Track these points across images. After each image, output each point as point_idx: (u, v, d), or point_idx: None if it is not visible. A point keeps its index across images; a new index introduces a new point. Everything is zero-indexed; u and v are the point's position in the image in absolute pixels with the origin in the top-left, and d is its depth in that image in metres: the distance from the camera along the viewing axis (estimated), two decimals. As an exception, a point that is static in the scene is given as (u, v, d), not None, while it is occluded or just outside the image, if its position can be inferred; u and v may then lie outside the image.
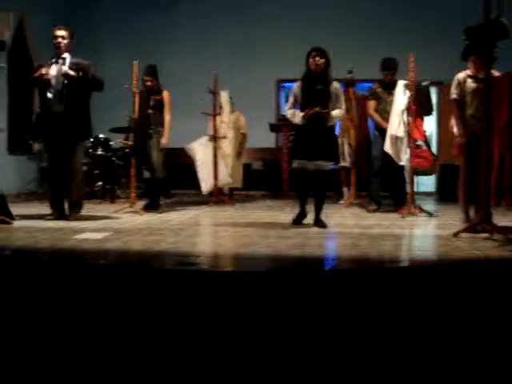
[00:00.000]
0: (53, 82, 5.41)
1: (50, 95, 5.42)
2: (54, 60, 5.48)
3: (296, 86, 5.23)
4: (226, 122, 8.26)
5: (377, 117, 6.80)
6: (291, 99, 5.26)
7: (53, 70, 5.43)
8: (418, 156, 6.68)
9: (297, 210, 5.34)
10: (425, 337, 2.71)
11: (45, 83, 5.40)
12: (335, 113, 5.13)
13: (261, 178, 10.13)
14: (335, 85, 5.22)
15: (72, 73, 5.35)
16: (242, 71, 9.86)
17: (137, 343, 2.74)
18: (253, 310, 2.80)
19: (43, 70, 5.35)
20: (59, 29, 5.51)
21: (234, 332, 2.73)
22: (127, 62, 6.71)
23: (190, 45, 10.38)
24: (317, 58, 5.09)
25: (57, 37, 5.46)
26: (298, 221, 5.31)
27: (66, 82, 5.39)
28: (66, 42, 5.48)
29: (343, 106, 5.27)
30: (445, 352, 2.66)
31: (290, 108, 5.26)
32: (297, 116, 5.15)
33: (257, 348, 2.68)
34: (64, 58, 5.47)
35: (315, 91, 5.11)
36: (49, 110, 5.42)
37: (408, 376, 2.60)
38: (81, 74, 5.36)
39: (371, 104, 6.86)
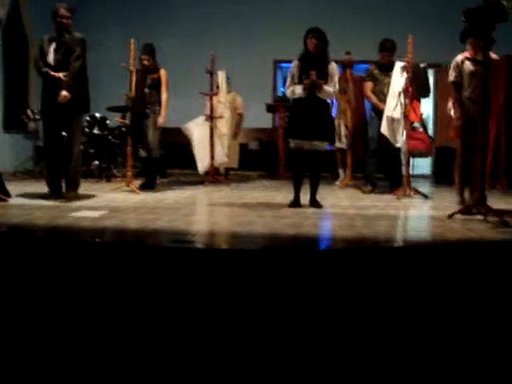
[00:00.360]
0: (50, 59, 5.41)
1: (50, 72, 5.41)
2: (53, 38, 5.46)
3: (294, 66, 5.20)
4: (222, 101, 8.23)
5: (373, 98, 6.78)
6: (289, 79, 5.23)
7: (51, 47, 5.42)
8: (414, 138, 6.68)
9: (292, 195, 5.30)
10: (418, 317, 2.75)
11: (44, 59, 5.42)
12: (327, 88, 5.09)
13: (257, 159, 10.10)
14: (333, 65, 5.20)
15: (66, 94, 5.34)
16: (239, 51, 9.77)
17: (132, 320, 2.76)
18: (247, 287, 2.83)
19: (56, 75, 5.34)
20: (64, 9, 5.47)
21: (229, 310, 2.76)
22: (124, 41, 6.66)
23: (186, 24, 10.25)
24: (314, 39, 5.06)
25: (62, 16, 5.41)
26: (293, 206, 5.27)
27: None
28: (69, 22, 5.46)
29: (336, 86, 5.24)
30: (438, 332, 2.70)
31: (289, 87, 5.24)
32: (297, 89, 5.12)
33: (251, 326, 2.71)
34: (64, 36, 5.44)
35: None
36: (49, 87, 5.41)
37: (401, 357, 2.63)
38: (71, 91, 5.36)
39: (368, 85, 6.84)
